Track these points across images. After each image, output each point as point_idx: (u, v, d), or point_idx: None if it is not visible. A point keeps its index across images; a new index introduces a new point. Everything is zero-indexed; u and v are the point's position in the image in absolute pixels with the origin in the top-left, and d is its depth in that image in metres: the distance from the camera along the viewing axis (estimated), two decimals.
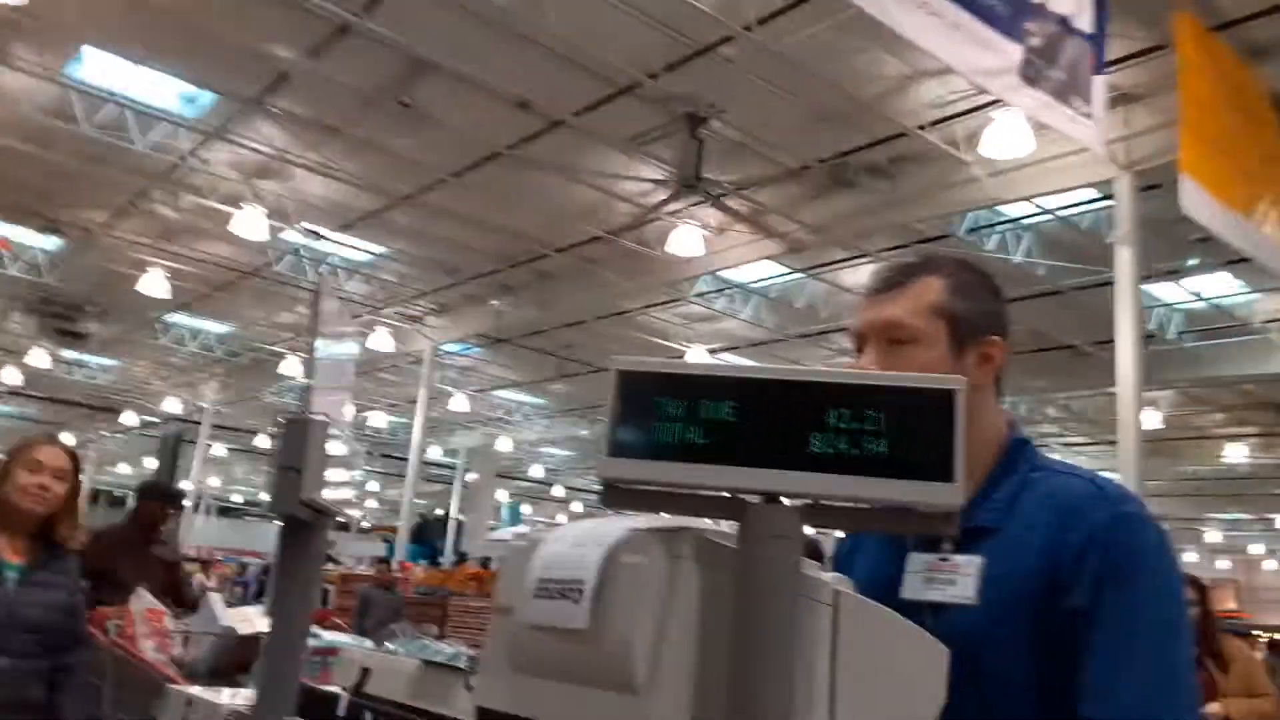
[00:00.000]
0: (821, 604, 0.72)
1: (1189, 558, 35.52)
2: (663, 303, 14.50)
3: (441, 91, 8.82)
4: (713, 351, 16.24)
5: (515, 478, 31.94)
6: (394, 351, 16.28)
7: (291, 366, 17.61)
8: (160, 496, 5.57)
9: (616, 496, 0.70)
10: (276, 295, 15.25)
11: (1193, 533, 32.41)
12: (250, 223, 10.72)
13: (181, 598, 4.70)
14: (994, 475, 1.30)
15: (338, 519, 1.16)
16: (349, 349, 1.26)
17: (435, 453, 28.22)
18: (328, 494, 1.05)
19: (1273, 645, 10.98)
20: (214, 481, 29.91)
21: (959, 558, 1.24)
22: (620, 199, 10.97)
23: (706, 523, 0.70)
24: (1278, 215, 6.50)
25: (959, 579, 1.22)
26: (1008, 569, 1.20)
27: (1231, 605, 33.05)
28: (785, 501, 0.66)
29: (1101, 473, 1.41)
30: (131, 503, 6.03)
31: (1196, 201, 5.75)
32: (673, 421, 0.67)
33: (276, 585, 1.08)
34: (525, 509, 34.09)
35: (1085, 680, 1.13)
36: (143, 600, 3.48)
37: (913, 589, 1.25)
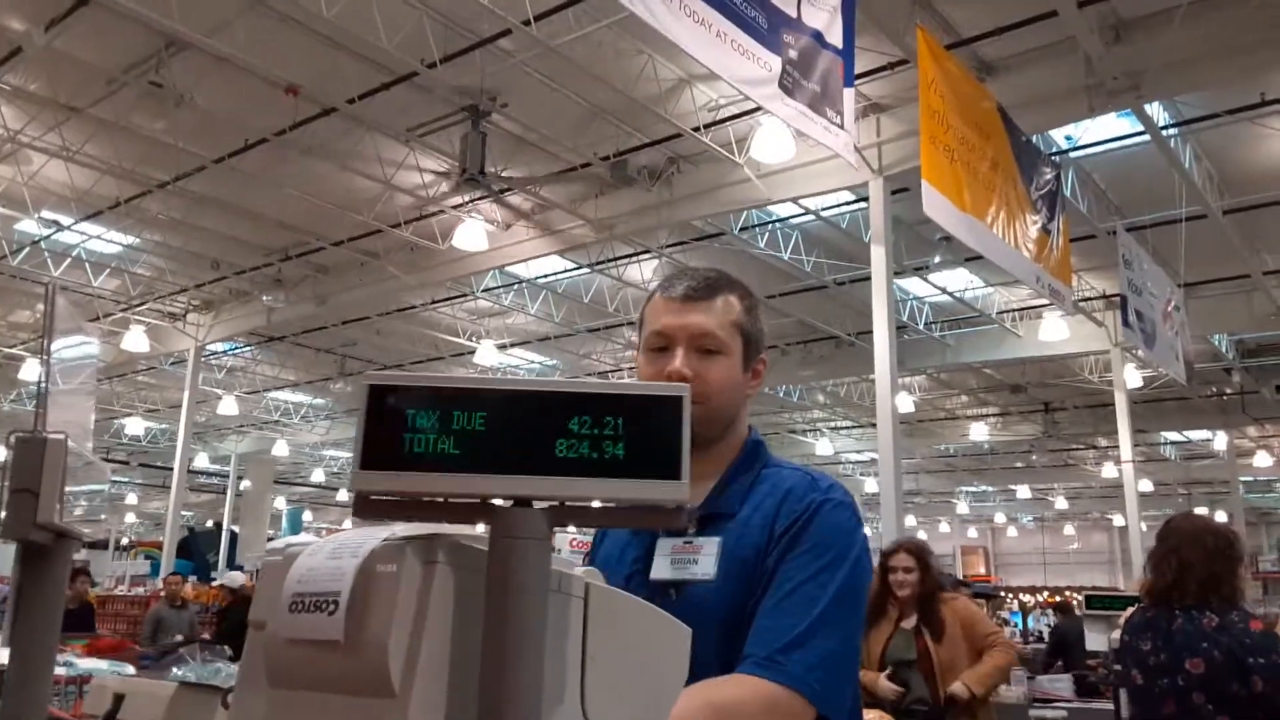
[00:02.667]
0: (574, 597, 0.77)
1: (943, 528, 38.88)
2: (449, 298, 14.28)
3: (198, 72, 8.28)
4: (502, 347, 16.14)
5: (295, 483, 30.46)
6: (152, 352, 15.10)
7: (32, 371, 15.97)
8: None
9: (368, 507, 0.72)
10: (13, 292, 13.81)
11: (947, 505, 35.49)
12: None
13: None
14: (734, 470, 1.48)
15: (86, 538, 1.10)
16: (87, 351, 1.19)
17: (203, 460, 26.43)
18: (68, 517, 1.00)
19: (1059, 607, 12.29)
20: None
21: (700, 539, 1.40)
22: (401, 191, 10.71)
23: (458, 529, 0.74)
24: (1005, 218, 7.24)
25: (700, 558, 1.38)
26: (738, 545, 1.38)
27: (981, 570, 36.41)
28: (534, 505, 0.71)
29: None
30: None
31: (936, 205, 6.31)
32: (425, 433, 0.70)
33: (15, 614, 1.01)
34: (307, 516, 32.53)
35: (759, 612, 1.31)
36: None
37: (660, 569, 1.40)
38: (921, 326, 15.26)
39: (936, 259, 12.62)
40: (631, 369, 16.84)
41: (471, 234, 10.77)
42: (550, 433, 0.69)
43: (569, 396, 0.70)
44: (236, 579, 10.47)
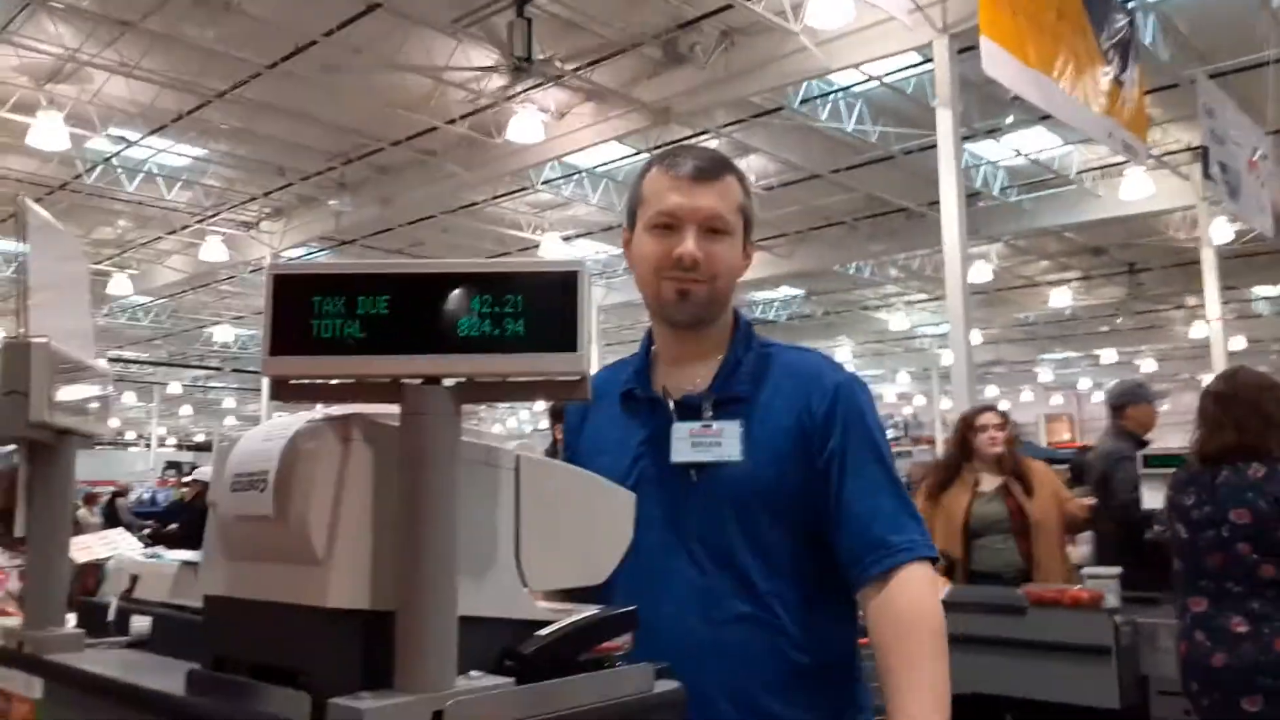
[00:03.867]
0: (504, 469, 0.81)
1: (1025, 397, 38.33)
2: (510, 193, 14.26)
3: None
4: (566, 239, 16.15)
5: None
6: (230, 261, 15.53)
7: (121, 285, 16.59)
8: None
9: (286, 391, 0.75)
10: (92, 210, 14.25)
11: (1028, 373, 34.86)
12: (49, 131, 9.90)
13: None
14: (735, 350, 1.50)
15: (98, 437, 1.17)
16: (76, 271, 1.25)
17: None
18: (67, 418, 1.07)
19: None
20: None
21: (720, 423, 1.43)
22: (453, 85, 10.62)
23: (380, 408, 0.77)
24: (1073, 71, 6.86)
25: (724, 441, 1.41)
26: (766, 429, 1.42)
27: (1067, 436, 35.96)
28: (443, 383, 0.73)
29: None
30: None
31: (998, 61, 6.01)
32: (331, 318, 0.73)
33: (27, 505, 1.10)
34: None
35: (846, 498, 1.38)
36: None
37: (681, 452, 1.43)
38: (996, 192, 14.70)
39: (1009, 119, 12.06)
40: None
41: (526, 125, 10.67)
42: (453, 312, 0.71)
43: (470, 276, 0.72)
44: (207, 473, 10.96)
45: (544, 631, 0.78)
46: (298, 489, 0.72)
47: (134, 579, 1.12)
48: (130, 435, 34.57)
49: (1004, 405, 21.75)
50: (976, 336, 24.31)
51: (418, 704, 0.66)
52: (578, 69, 10.28)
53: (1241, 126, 9.24)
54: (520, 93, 10.77)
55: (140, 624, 1.08)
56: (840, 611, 1.42)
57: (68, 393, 1.05)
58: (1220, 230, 14.71)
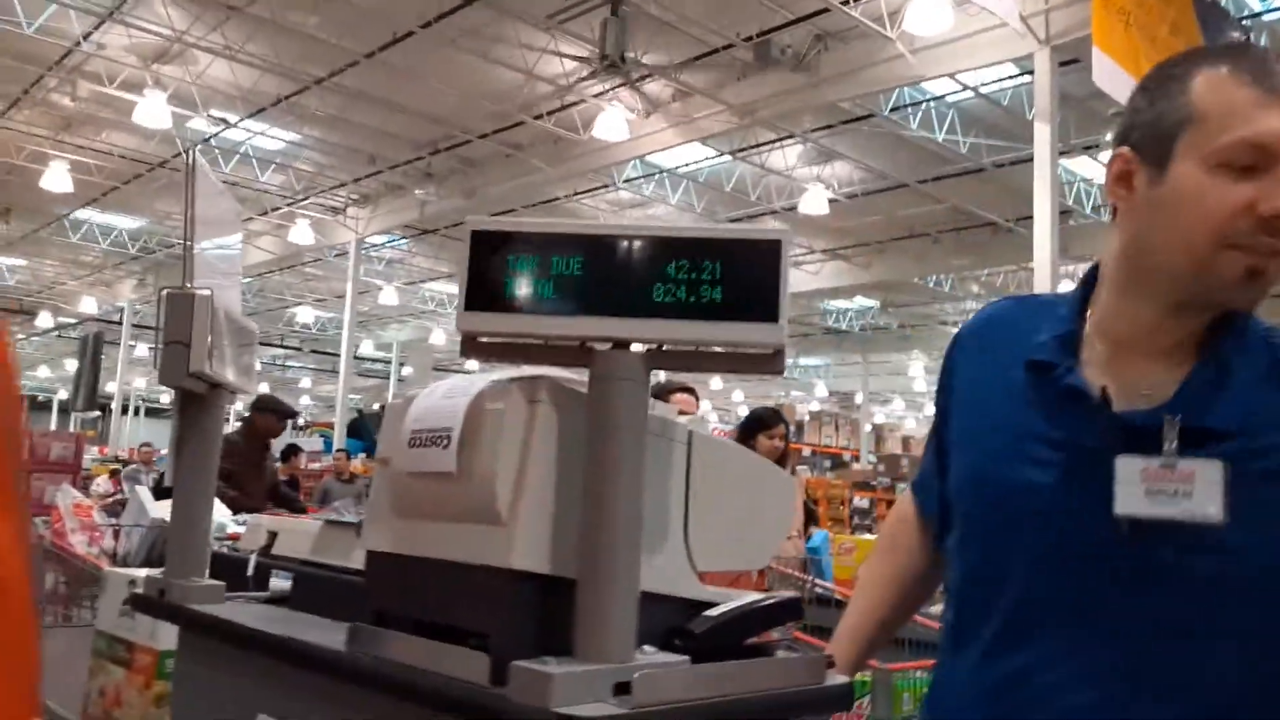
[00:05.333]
0: (677, 443, 0.79)
1: None
2: (591, 189, 14.33)
3: None
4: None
5: (452, 370, 31.89)
6: (317, 244, 15.88)
7: None
8: (274, 410, 5.87)
9: (475, 349, 0.74)
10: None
11: None
12: (153, 110, 10.23)
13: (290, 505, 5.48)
14: (1225, 348, 0.99)
15: (244, 392, 1.19)
16: (232, 229, 1.26)
17: (367, 348, 27.94)
18: (222, 371, 1.08)
19: None
20: (140, 383, 29.29)
21: (1190, 462, 0.93)
22: (543, 80, 10.70)
23: (565, 373, 0.76)
24: None
25: (1196, 490, 0.92)
26: (1256, 472, 0.93)
27: None
28: (632, 348, 0.72)
29: None
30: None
31: (1108, 75, 5.83)
32: (526, 277, 0.72)
33: (176, 455, 1.12)
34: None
35: None
36: (69, 496, 3.47)
37: (1130, 503, 0.93)
38: (1089, 210, 14.32)
39: (1108, 136, 11.73)
40: None
41: (612, 123, 10.69)
42: (648, 277, 0.69)
43: (667, 241, 0.70)
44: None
45: (713, 611, 0.76)
46: (484, 447, 0.71)
47: (272, 535, 1.13)
48: None
49: None
50: None
51: (603, 674, 0.65)
52: (668, 69, 10.28)
53: None
54: (608, 91, 10.81)
55: (279, 581, 1.08)
56: None
57: (225, 347, 1.07)
58: None
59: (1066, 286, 10.99)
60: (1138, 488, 0.92)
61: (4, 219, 15.37)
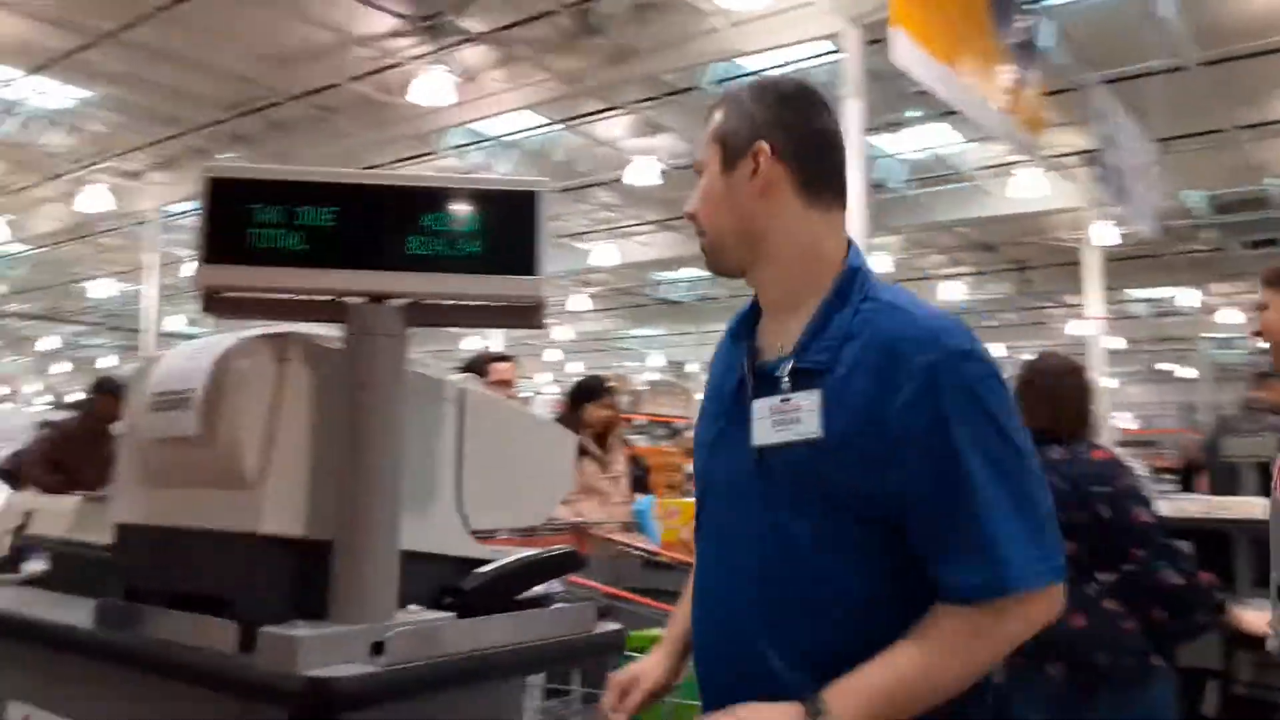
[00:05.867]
0: (447, 401, 0.78)
1: None
2: (413, 156, 13.89)
3: None
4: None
5: None
6: (112, 212, 14.73)
7: None
8: (114, 393, 5.35)
9: (219, 305, 0.70)
10: None
11: None
12: None
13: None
14: (826, 308, 1.24)
15: None
16: None
17: (178, 323, 26.22)
18: None
19: None
20: None
21: (798, 395, 1.19)
22: (357, 42, 10.26)
23: (321, 329, 0.73)
24: (979, 67, 7.06)
25: (803, 415, 1.18)
26: (839, 411, 1.17)
27: None
28: (388, 302, 0.69)
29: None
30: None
31: (907, 54, 6.12)
32: (271, 227, 0.68)
33: None
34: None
35: (939, 531, 1.14)
36: None
37: (763, 434, 1.20)
38: (895, 185, 15.07)
39: (912, 113, 12.35)
40: (606, 229, 16.60)
41: (431, 87, 10.39)
42: (403, 228, 0.67)
43: (424, 191, 0.68)
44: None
45: (485, 568, 0.75)
46: (228, 408, 0.67)
47: (27, 515, 1.04)
48: (2, 391, 32.61)
49: None
50: None
51: (355, 634, 0.63)
52: (487, 32, 10.07)
53: (1131, 133, 9.69)
54: (427, 54, 10.49)
55: (36, 563, 1.00)
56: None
57: None
58: (1110, 233, 15.44)
59: (878, 258, 11.70)
60: (767, 421, 1.18)
61: None
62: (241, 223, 0.67)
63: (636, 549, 3.50)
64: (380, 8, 9.53)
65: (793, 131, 1.27)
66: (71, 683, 0.77)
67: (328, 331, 0.71)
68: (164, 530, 0.73)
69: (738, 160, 1.23)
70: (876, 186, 14.21)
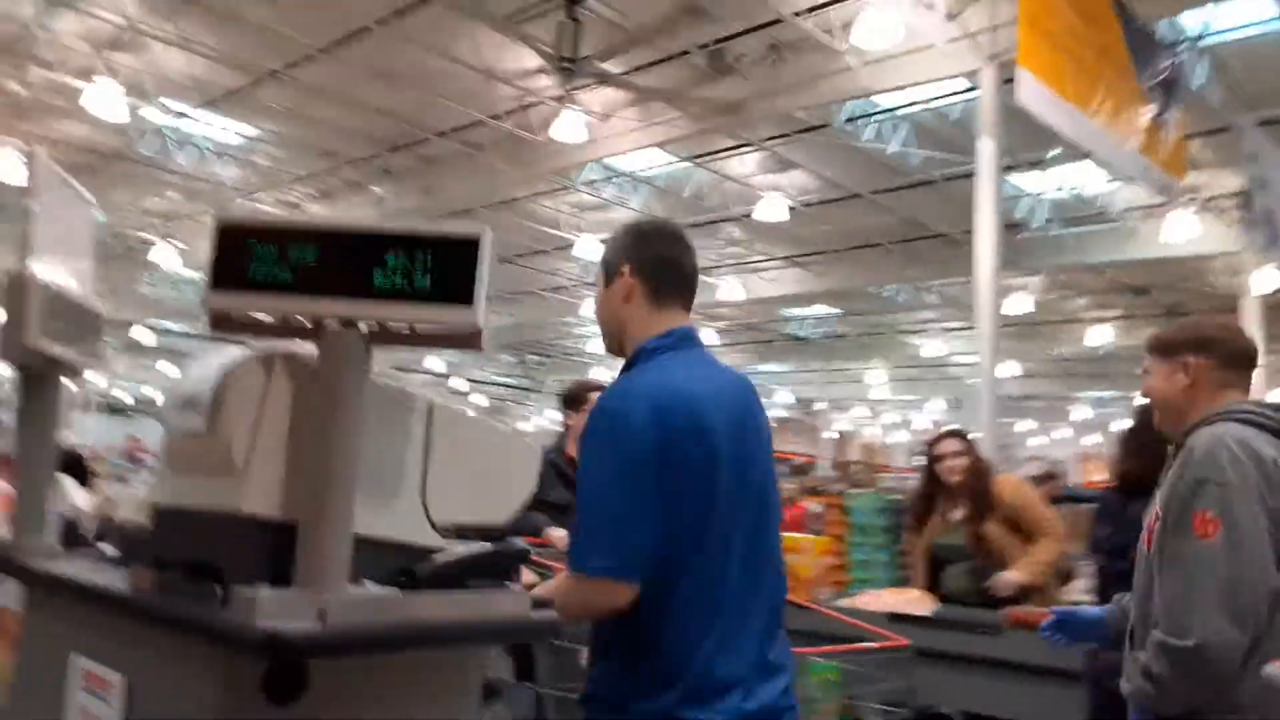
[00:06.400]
0: (416, 411, 0.91)
1: (1060, 433, 37.79)
2: (550, 191, 14.40)
3: None
4: (604, 241, 16.17)
5: (413, 370, 31.75)
6: None
7: (164, 255, 16.90)
8: None
9: (222, 324, 0.86)
10: (142, 179, 14.59)
11: (1063, 410, 34.40)
12: (105, 98, 10.18)
13: None
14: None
15: (83, 366, 1.29)
16: (83, 220, 1.36)
17: None
18: (58, 347, 1.19)
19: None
20: (99, 380, 28.89)
21: None
22: (501, 81, 10.78)
23: (310, 348, 0.87)
24: (1111, 108, 6.86)
25: None
26: None
27: (1100, 476, 35.28)
28: (359, 325, 0.84)
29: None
30: None
31: (1034, 94, 6.03)
32: (265, 262, 0.83)
33: (19, 430, 1.21)
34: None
35: None
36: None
37: None
38: (1039, 224, 14.56)
39: (1055, 152, 11.98)
40: (733, 265, 16.60)
41: (569, 126, 10.79)
42: (371, 265, 0.81)
43: (387, 235, 0.82)
44: None
45: (439, 557, 0.88)
46: (225, 411, 0.83)
47: (113, 503, 1.24)
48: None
49: (1039, 441, 21.01)
50: (1016, 368, 24.06)
51: (303, 598, 0.77)
52: (624, 73, 10.40)
53: None
54: (566, 93, 10.91)
55: (112, 542, 1.19)
56: None
57: (60, 324, 1.17)
58: (1266, 278, 14.48)
59: (1017, 298, 11.26)
60: None
61: None
62: (243, 258, 0.83)
63: None
64: (526, 42, 9.99)
65: (645, 257, 1.76)
66: (108, 637, 0.93)
67: (307, 348, 0.86)
68: (180, 510, 0.89)
69: (611, 282, 1.74)
70: (1014, 226, 13.84)
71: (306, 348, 0.87)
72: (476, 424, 0.98)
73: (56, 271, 1.18)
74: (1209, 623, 1.87)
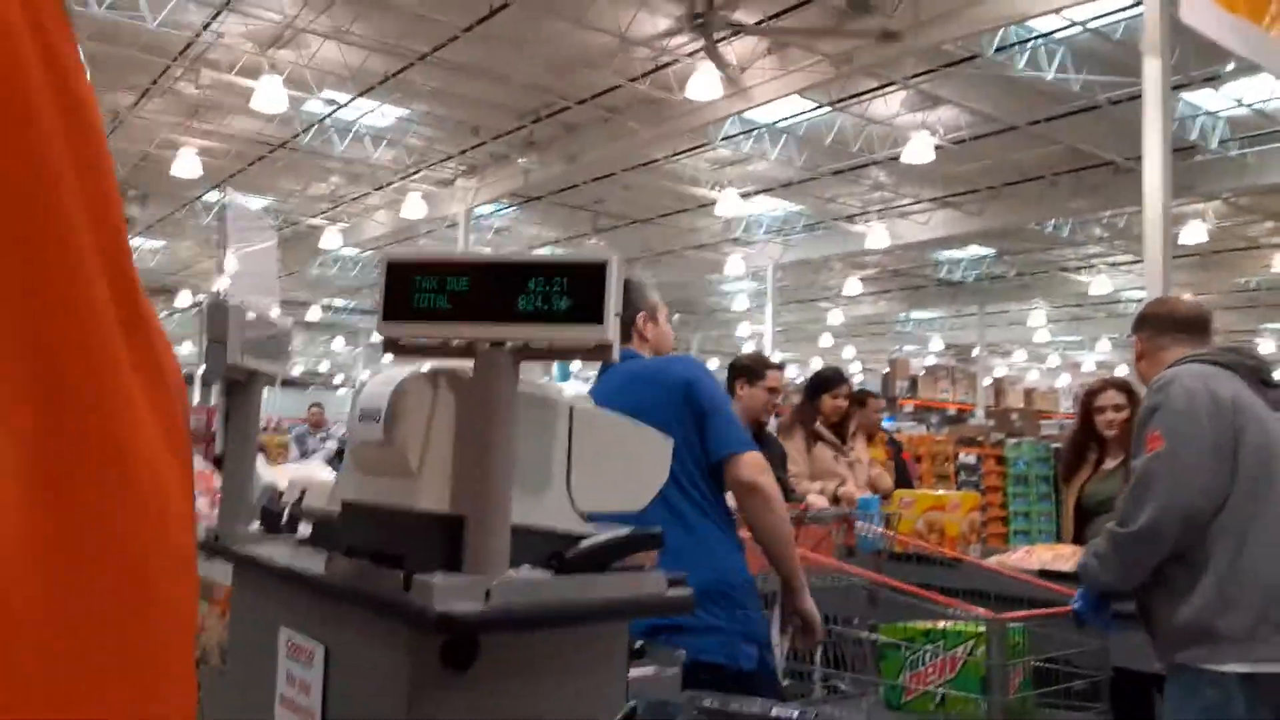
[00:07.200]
0: (560, 415, 1.03)
1: None
2: (690, 149, 14.41)
3: None
4: (745, 195, 16.14)
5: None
6: (428, 216, 16.50)
7: (331, 239, 17.89)
8: None
9: (394, 349, 1.00)
10: (308, 166, 15.49)
11: (1250, 343, 32.00)
12: (270, 94, 10.88)
13: None
14: None
15: (277, 375, 1.48)
16: (266, 245, 1.55)
17: None
18: (255, 361, 1.37)
19: None
20: None
21: None
22: (636, 43, 10.86)
23: (464, 364, 1.00)
24: None
25: None
26: None
27: None
28: (505, 345, 0.96)
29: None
30: None
31: (1199, 11, 5.63)
32: (427, 293, 0.96)
33: (227, 431, 1.41)
34: (575, 364, 34.75)
35: None
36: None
37: None
38: (1215, 145, 13.54)
39: (1230, 67, 11.10)
40: (879, 211, 16.18)
41: (704, 82, 10.77)
42: (515, 291, 0.93)
43: (528, 264, 0.93)
44: None
45: (584, 542, 0.99)
46: (399, 422, 0.97)
47: (303, 491, 1.42)
48: (339, 379, 37.01)
49: None
50: (1199, 304, 22.52)
51: (474, 583, 0.90)
52: (759, 22, 10.27)
53: None
54: (700, 49, 10.86)
55: (305, 528, 1.37)
56: None
57: (255, 342, 1.35)
58: None
59: (1191, 227, 10.58)
60: None
61: (141, 204, 16.46)
62: (408, 290, 0.96)
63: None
64: (655, 9, 10.02)
65: (645, 299, 2.55)
66: (311, 613, 1.11)
67: (465, 365, 0.98)
68: (367, 506, 1.04)
69: (629, 328, 2.21)
70: (1188, 149, 12.93)
71: (464, 364, 1.00)
72: (612, 421, 1.10)
73: (250, 293, 1.36)
74: (1147, 518, 2.30)
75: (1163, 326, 2.74)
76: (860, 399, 6.21)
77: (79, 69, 0.39)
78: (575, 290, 0.90)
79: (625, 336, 2.35)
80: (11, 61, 0.35)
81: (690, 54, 11.06)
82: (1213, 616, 2.27)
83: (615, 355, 0.93)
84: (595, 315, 0.90)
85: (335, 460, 6.55)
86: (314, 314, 26.54)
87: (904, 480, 6.44)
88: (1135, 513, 2.34)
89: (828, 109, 12.86)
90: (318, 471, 2.55)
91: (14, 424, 0.34)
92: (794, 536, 2.29)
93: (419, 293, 0.94)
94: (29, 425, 0.35)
